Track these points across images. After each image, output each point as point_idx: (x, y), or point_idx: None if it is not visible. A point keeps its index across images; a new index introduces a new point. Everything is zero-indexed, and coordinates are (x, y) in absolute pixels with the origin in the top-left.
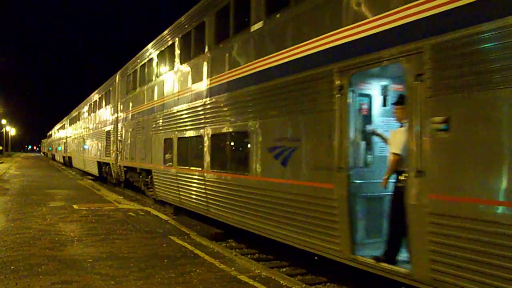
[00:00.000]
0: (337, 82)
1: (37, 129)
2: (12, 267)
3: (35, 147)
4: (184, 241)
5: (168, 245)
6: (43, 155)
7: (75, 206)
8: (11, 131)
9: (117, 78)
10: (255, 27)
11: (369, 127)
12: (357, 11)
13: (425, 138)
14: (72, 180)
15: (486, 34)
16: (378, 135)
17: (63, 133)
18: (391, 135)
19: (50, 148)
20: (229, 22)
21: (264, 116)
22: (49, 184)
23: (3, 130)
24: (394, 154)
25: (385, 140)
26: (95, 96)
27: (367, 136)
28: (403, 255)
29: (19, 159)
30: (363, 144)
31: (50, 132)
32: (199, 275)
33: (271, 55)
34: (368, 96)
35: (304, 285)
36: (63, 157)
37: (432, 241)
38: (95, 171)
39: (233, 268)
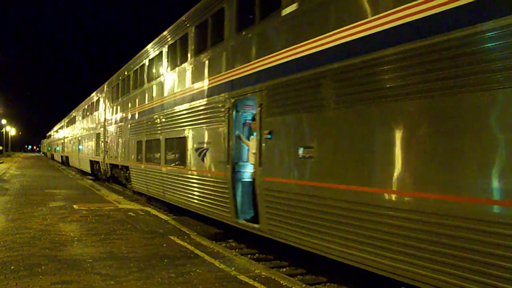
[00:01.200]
0: (227, 106)
1: (37, 129)
2: (12, 267)
3: (35, 147)
4: (184, 241)
5: (168, 245)
6: (42, 155)
7: (75, 206)
8: (11, 131)
9: (105, 88)
10: (190, 61)
11: (236, 133)
12: (236, 60)
13: (262, 143)
14: (72, 180)
15: (283, 84)
16: (240, 139)
17: (61, 134)
18: (251, 141)
19: (49, 148)
20: (176, 56)
21: (192, 126)
22: (49, 184)
23: (3, 130)
24: (254, 153)
25: (244, 142)
26: (88, 102)
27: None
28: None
29: (19, 159)
30: (246, 146)
31: (49, 133)
32: (199, 275)
33: (196, 83)
34: (252, 114)
35: (304, 285)
36: (61, 157)
37: (267, 206)
38: (88, 168)
39: (233, 268)
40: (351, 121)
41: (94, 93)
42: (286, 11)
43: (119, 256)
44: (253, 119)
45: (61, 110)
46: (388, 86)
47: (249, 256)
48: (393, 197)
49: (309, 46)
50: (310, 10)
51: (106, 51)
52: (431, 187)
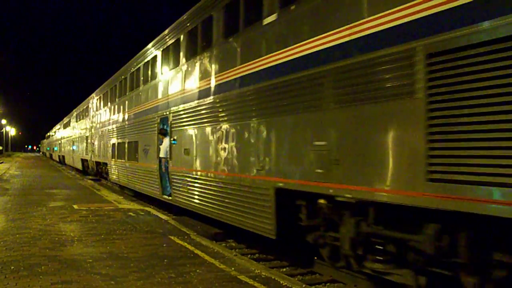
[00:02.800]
0: (157, 121)
1: (37, 129)
2: (12, 267)
3: (35, 147)
4: (184, 241)
5: (168, 245)
6: (42, 155)
7: (75, 206)
8: (11, 131)
9: (93, 97)
10: (141, 88)
11: (161, 139)
12: (160, 92)
13: (172, 146)
14: (72, 180)
15: (178, 113)
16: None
17: (59, 135)
18: (161, 148)
19: (48, 148)
20: (134, 82)
21: (140, 133)
22: (49, 184)
23: (3, 130)
24: (162, 157)
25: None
26: (81, 107)
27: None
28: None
29: (19, 159)
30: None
31: (49, 134)
32: (199, 275)
33: (143, 104)
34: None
35: (304, 285)
36: (58, 156)
37: (173, 184)
38: (80, 166)
39: (233, 268)
40: (199, 133)
41: (85, 100)
42: (190, 64)
43: (119, 256)
44: (160, 131)
45: (61, 111)
46: (203, 117)
47: (249, 256)
48: (212, 174)
49: (188, 89)
50: (193, 65)
51: (107, 51)
52: (224, 168)
